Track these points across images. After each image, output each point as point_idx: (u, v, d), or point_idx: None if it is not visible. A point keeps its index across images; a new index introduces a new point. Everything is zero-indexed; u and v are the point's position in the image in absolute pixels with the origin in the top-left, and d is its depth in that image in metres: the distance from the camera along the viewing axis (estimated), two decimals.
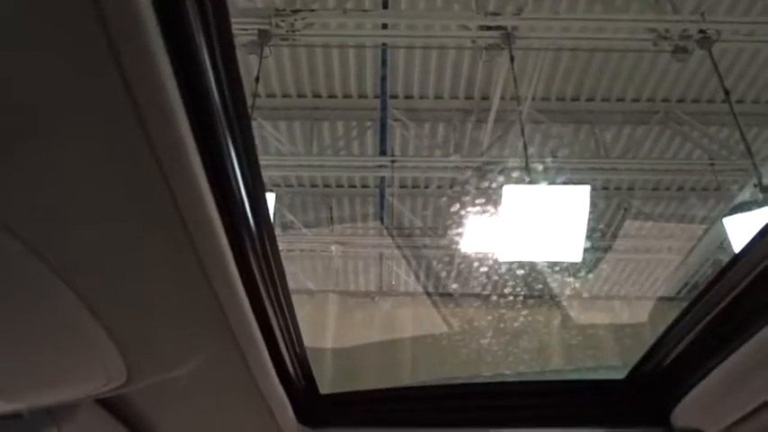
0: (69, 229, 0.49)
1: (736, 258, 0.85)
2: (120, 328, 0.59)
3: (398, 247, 7.40)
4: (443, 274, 7.64)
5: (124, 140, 0.45)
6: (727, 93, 5.02)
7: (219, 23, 0.49)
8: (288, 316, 0.86)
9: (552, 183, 5.08)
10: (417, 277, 7.93)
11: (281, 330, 0.86)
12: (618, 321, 7.14)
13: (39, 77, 0.40)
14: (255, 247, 0.68)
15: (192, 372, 0.75)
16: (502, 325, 6.36)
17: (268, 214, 0.70)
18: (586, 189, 4.82)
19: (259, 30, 4.85)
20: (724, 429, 1.02)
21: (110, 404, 0.78)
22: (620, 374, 1.17)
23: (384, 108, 6.03)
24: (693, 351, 0.99)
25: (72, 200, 0.48)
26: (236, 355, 0.78)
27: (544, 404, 1.20)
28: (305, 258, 7.82)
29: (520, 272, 6.15)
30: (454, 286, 7.49)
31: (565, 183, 5.22)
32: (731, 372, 0.91)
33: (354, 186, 7.27)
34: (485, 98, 6.03)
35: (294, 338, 0.93)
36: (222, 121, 0.53)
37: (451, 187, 6.72)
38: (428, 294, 7.82)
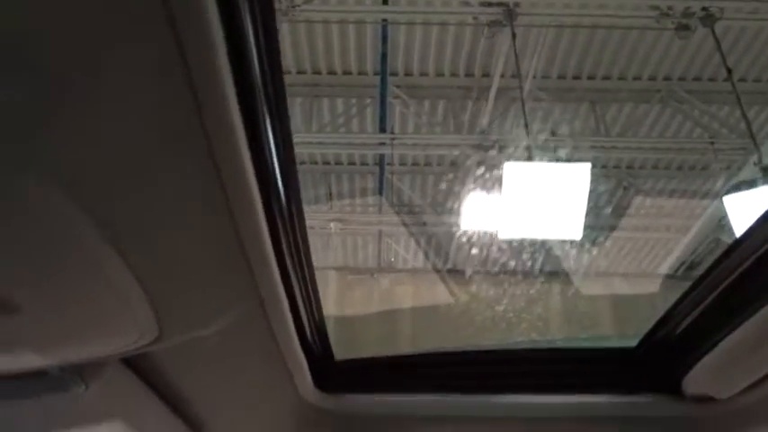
0: (114, 185, 0.51)
1: (749, 232, 0.86)
2: (154, 284, 0.61)
3: (404, 224, 7.41)
4: (444, 251, 7.66)
5: (175, 107, 0.48)
6: (729, 71, 5.01)
7: None
8: (309, 280, 0.88)
9: (553, 160, 5.08)
10: (416, 254, 7.96)
11: (302, 294, 0.87)
12: (617, 299, 7.19)
13: (95, 43, 0.41)
14: (283, 213, 0.70)
15: (218, 332, 0.76)
16: (511, 300, 6.41)
17: (298, 183, 0.72)
18: (587, 167, 4.82)
19: None
20: (735, 395, 1.04)
21: (135, 364, 0.80)
22: (631, 342, 1.19)
23: (384, 85, 6.00)
24: (705, 319, 1.01)
25: (119, 159, 0.49)
26: (262, 317, 0.80)
27: (555, 371, 1.22)
28: None
29: (520, 249, 6.19)
30: (454, 263, 7.52)
31: (565, 160, 5.22)
32: (742, 339, 0.92)
33: (354, 164, 7.25)
34: (485, 75, 6.00)
35: (313, 303, 0.94)
36: (262, 97, 0.56)
37: (452, 164, 6.72)
38: (428, 271, 7.85)
